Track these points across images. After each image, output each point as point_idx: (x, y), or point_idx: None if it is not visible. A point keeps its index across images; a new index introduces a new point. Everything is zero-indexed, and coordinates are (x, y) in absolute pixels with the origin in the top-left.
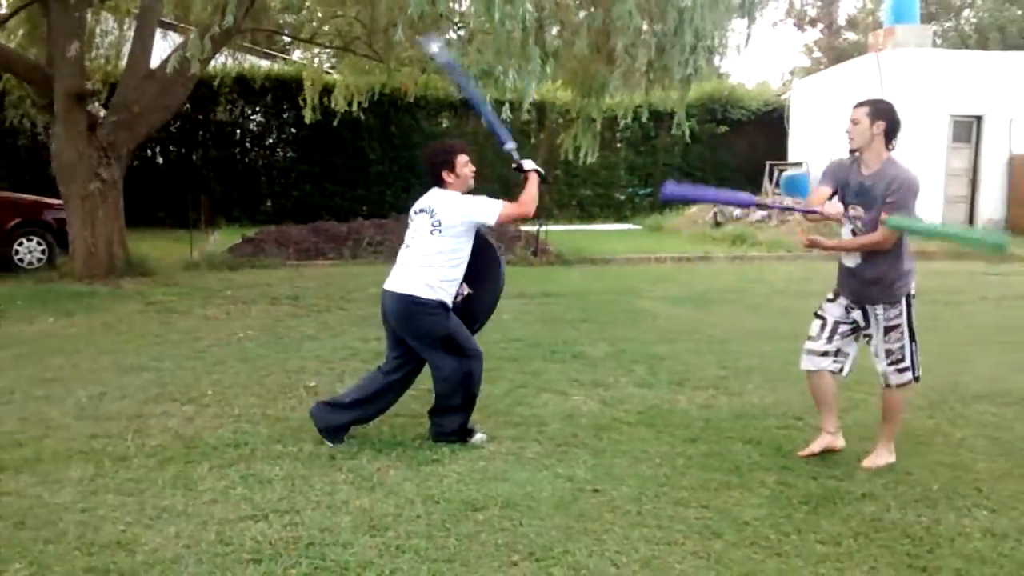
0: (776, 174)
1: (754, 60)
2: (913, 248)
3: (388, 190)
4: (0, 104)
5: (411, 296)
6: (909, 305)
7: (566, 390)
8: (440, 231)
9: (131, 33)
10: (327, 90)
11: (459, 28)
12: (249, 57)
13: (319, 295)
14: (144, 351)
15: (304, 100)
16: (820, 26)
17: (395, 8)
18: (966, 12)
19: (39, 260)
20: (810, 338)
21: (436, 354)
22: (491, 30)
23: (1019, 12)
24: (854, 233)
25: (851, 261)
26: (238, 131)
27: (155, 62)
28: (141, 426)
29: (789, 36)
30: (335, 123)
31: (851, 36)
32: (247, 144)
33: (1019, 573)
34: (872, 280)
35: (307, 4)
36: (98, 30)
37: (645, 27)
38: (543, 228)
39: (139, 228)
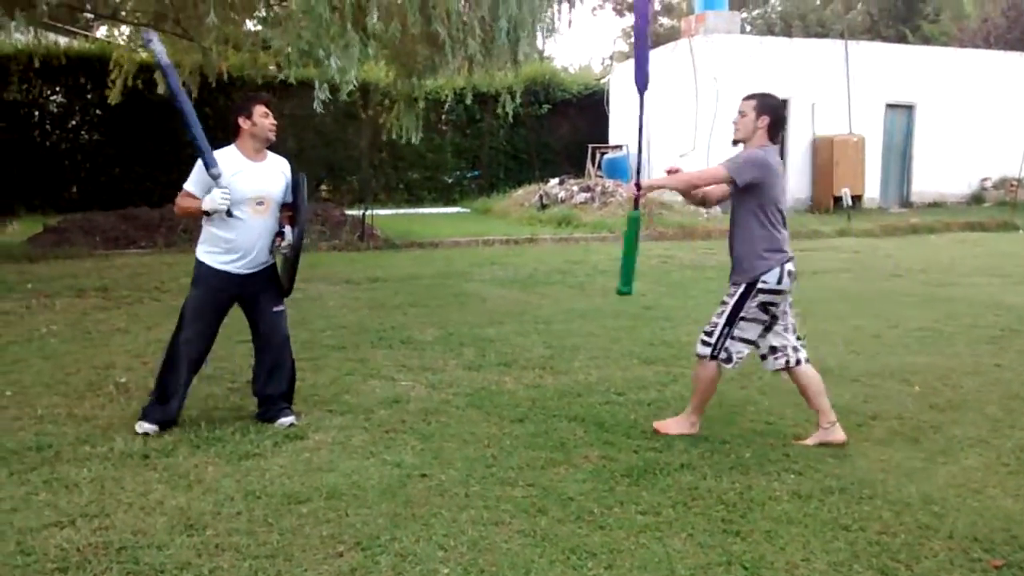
0: (598, 157)
1: (576, 45)
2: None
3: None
4: None
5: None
6: (747, 292)
7: (394, 376)
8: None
9: None
10: (144, 69)
11: (275, 6)
12: (48, 34)
13: (130, 286)
14: None
15: (114, 81)
16: None
17: None
18: (772, 1)
19: None
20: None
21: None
22: (308, 11)
23: (818, 2)
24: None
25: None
26: (36, 112)
27: None
28: None
29: (609, 21)
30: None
31: (667, 22)
32: (47, 126)
33: (822, 531)
34: (733, 254)
35: None
36: None
37: (464, 10)
38: (370, 212)
39: None
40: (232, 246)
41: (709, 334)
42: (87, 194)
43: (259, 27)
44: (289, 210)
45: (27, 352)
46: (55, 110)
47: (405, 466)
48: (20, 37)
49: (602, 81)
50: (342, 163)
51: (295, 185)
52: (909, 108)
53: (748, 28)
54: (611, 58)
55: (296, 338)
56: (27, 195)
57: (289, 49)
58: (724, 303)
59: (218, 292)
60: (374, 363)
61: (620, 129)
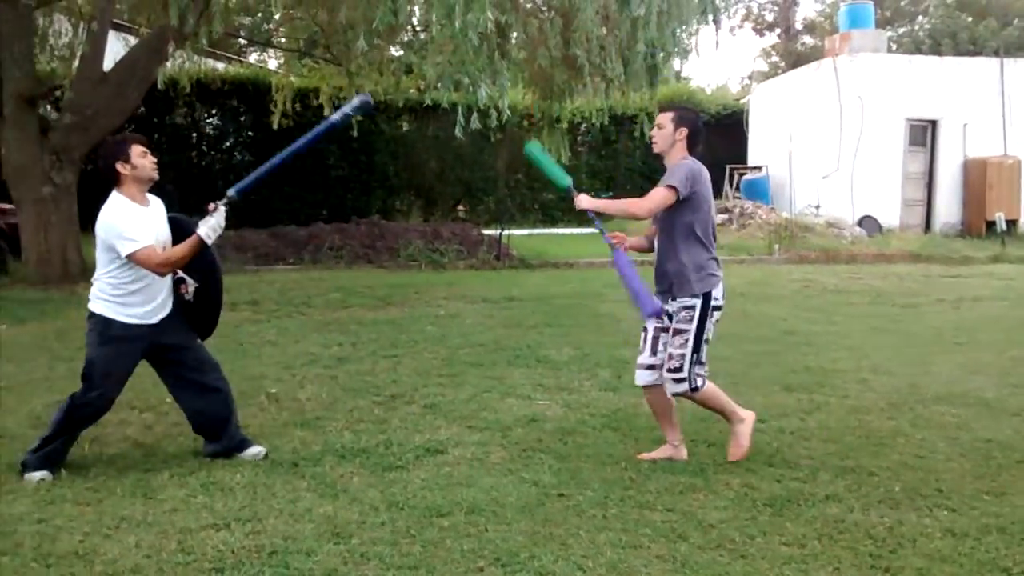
0: (736, 178)
1: (713, 64)
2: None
3: (348, 194)
4: None
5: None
6: (705, 310)
7: (530, 394)
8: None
9: (84, 35)
10: (302, 94)
11: (420, 32)
12: (206, 60)
13: (279, 300)
14: None
15: (275, 106)
16: (778, 31)
17: (356, 13)
18: (920, 18)
19: None
20: (640, 352)
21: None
22: (454, 37)
23: (970, 19)
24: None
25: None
26: (195, 134)
27: (109, 64)
28: (99, 434)
29: (747, 41)
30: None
31: (809, 41)
32: (204, 147)
33: (979, 572)
34: (671, 273)
35: (262, 7)
36: (51, 32)
37: (603, 32)
38: (506, 232)
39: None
40: (146, 297)
41: (679, 369)
42: (239, 212)
43: (401, 52)
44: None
45: None
46: (211, 132)
47: (543, 485)
48: (182, 64)
49: (741, 101)
50: (479, 184)
51: (185, 225)
52: None
53: (894, 47)
54: (750, 78)
55: (436, 354)
56: (184, 213)
57: (431, 73)
58: (683, 331)
59: (132, 346)
60: (511, 381)
61: (760, 150)
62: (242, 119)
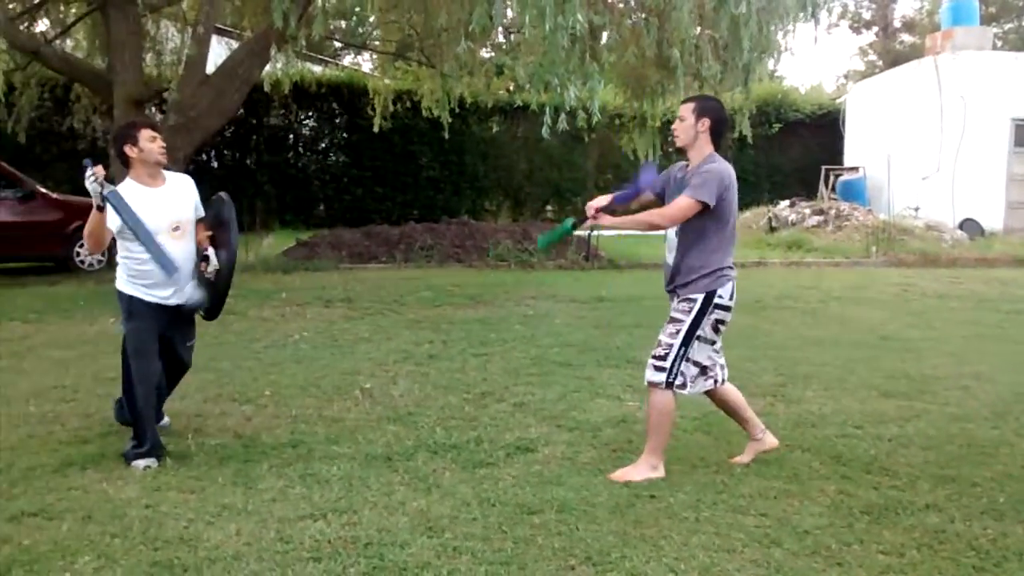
0: (832, 179)
1: (806, 63)
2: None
3: (439, 194)
4: (64, 109)
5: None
6: (704, 309)
7: (620, 395)
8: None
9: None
10: (399, 97)
11: (512, 34)
12: (304, 63)
13: (372, 298)
14: (202, 352)
15: (374, 108)
16: (875, 29)
17: (453, 17)
18: None
19: (99, 262)
20: None
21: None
22: (544, 38)
23: None
24: (676, 234)
25: (670, 257)
26: (291, 136)
27: (211, 68)
28: (201, 425)
29: (843, 39)
30: (388, 128)
31: (907, 39)
32: (300, 149)
33: None
34: (678, 269)
35: (358, 10)
36: (159, 36)
37: (698, 31)
38: (594, 233)
39: None
40: (161, 278)
41: (663, 357)
42: (333, 212)
43: (492, 54)
44: (207, 230)
45: (282, 356)
46: (307, 134)
47: (633, 486)
48: (281, 67)
49: (837, 101)
50: (568, 185)
51: (217, 204)
52: None
53: (999, 44)
54: (846, 77)
55: (525, 353)
56: (281, 212)
57: (522, 74)
58: (677, 320)
59: (153, 323)
60: (600, 381)
61: (857, 151)
62: (337, 121)
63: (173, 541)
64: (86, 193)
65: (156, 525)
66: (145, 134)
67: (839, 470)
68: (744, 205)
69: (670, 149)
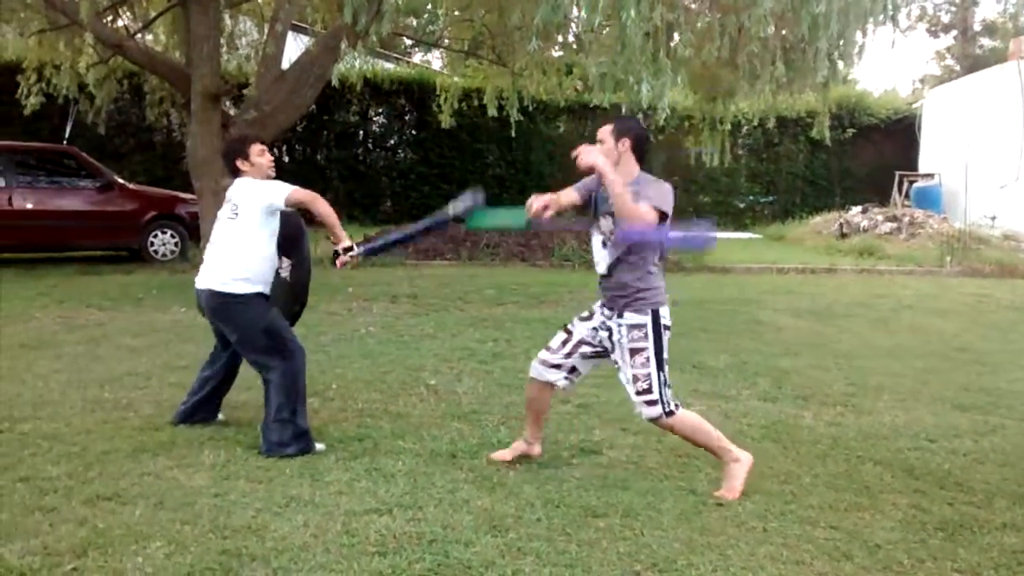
0: (906, 185)
1: (880, 67)
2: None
3: (505, 193)
4: (141, 102)
5: (224, 292)
6: (657, 328)
7: (687, 400)
8: (237, 216)
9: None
10: (467, 95)
11: (582, 33)
12: (375, 59)
13: (437, 295)
14: None
15: (440, 106)
16: (954, 32)
17: (527, 15)
18: None
19: (172, 252)
20: (548, 348)
21: (261, 355)
22: (618, 34)
23: None
24: (604, 245)
25: (602, 267)
26: (361, 132)
27: (286, 63)
28: None
29: (919, 42)
30: (457, 125)
31: (988, 42)
32: (369, 145)
33: None
34: (618, 287)
35: (430, 8)
36: (236, 32)
37: (772, 31)
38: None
39: None
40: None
41: (647, 391)
42: (400, 208)
43: (561, 52)
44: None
45: (349, 350)
46: (377, 130)
47: (700, 492)
48: (353, 63)
49: (914, 106)
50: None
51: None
52: None
53: None
54: (922, 81)
55: None
56: (349, 207)
57: (594, 71)
58: (639, 350)
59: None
60: None
61: (932, 157)
62: (406, 118)
63: (241, 530)
64: (161, 184)
65: (225, 513)
66: (255, 148)
67: (912, 484)
68: (815, 210)
69: (740, 151)
